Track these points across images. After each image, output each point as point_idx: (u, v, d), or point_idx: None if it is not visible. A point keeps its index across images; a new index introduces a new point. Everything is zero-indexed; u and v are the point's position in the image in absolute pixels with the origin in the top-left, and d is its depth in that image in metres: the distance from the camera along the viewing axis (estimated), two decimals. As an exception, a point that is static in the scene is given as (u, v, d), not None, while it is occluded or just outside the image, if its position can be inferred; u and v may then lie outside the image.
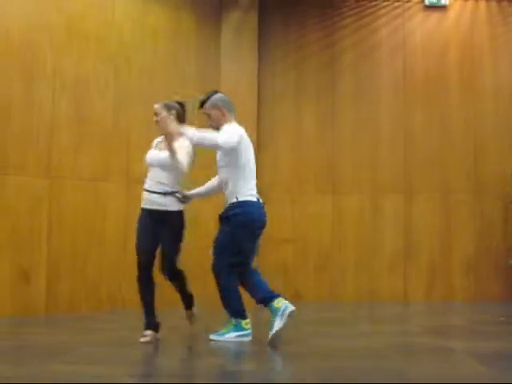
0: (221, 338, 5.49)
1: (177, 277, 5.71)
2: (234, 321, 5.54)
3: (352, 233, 9.90)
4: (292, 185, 9.81)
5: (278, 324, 5.30)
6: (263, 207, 5.66)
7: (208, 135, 5.47)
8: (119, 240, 8.29)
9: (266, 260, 9.50)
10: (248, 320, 5.56)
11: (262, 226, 5.64)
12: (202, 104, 5.75)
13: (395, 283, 9.72)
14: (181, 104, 5.84)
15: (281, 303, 5.37)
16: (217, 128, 5.66)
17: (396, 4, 10.28)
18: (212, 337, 5.54)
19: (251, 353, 5.20)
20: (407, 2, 10.29)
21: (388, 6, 10.28)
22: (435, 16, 10.26)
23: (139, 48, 8.82)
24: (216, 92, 5.86)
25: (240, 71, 9.84)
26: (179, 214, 5.56)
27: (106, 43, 8.45)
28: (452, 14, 10.26)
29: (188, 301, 5.92)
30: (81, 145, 8.08)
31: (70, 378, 3.96)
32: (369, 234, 9.86)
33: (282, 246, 9.69)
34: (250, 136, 5.78)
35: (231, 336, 5.51)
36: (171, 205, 5.51)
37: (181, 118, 5.73)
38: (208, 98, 5.75)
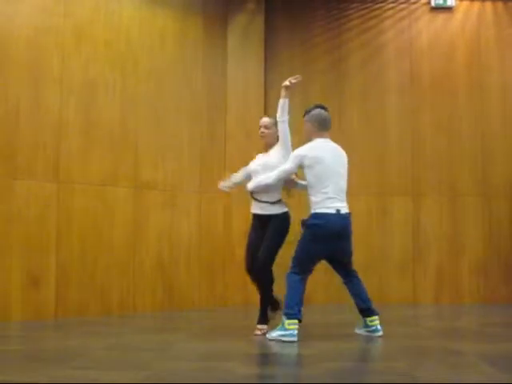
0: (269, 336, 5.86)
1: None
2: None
3: (360, 235, 9.85)
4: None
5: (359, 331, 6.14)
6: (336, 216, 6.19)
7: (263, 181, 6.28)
8: (128, 244, 8.30)
9: (275, 262, 9.49)
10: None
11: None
12: (304, 114, 6.57)
13: (404, 286, 9.71)
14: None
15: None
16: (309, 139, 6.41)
17: (402, 6, 10.27)
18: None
19: (260, 356, 5.20)
20: (413, 3, 10.28)
21: (394, 7, 10.27)
22: (441, 17, 10.25)
23: (147, 52, 8.83)
24: (317, 107, 6.59)
25: (246, 74, 9.86)
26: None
27: (114, 47, 8.46)
28: (458, 15, 10.25)
29: (271, 303, 6.39)
30: (89, 149, 8.10)
31: (83, 383, 3.96)
32: (377, 237, 9.85)
33: (289, 248, 9.66)
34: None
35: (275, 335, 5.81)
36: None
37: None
38: (310, 109, 6.54)
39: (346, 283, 6.27)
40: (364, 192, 9.90)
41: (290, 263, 6.01)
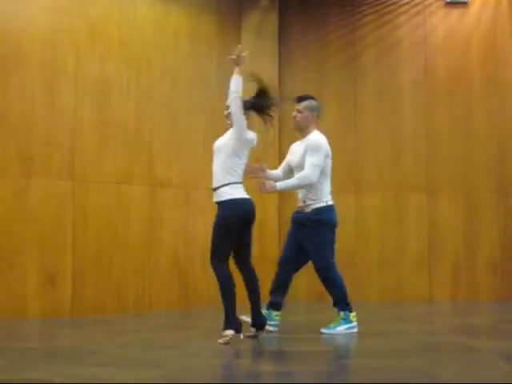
0: (332, 331, 5.92)
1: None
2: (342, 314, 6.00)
3: (375, 232, 9.87)
4: (314, 184, 9.76)
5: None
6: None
7: (296, 184, 5.97)
8: (144, 242, 8.33)
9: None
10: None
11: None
12: (299, 100, 6.22)
13: (420, 283, 9.67)
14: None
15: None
16: (299, 128, 6.17)
17: (417, 1, 10.22)
18: (324, 330, 5.95)
19: (276, 353, 5.20)
20: (428, -2, 10.24)
21: (409, 2, 10.22)
22: (456, 12, 10.18)
23: (161, 50, 8.85)
24: (314, 98, 6.31)
25: (260, 71, 9.67)
26: None
27: (128, 45, 8.49)
28: (473, 10, 10.18)
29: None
30: (104, 148, 8.13)
31: (100, 382, 3.98)
32: (392, 233, 9.82)
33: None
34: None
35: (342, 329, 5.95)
36: None
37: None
38: (306, 98, 6.23)
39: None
40: (379, 188, 9.87)
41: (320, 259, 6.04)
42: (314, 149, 5.95)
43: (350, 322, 5.98)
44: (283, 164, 6.36)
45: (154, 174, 8.53)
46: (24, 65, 7.57)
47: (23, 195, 7.45)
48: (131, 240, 8.25)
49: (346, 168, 9.94)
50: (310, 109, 6.16)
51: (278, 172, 6.31)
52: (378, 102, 10.07)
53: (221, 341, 5.29)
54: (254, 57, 9.94)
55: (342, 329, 5.93)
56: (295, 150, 6.18)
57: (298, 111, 6.16)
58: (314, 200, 6.01)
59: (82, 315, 7.66)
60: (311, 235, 5.98)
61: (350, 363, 4.51)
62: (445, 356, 4.91)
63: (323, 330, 5.93)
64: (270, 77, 9.87)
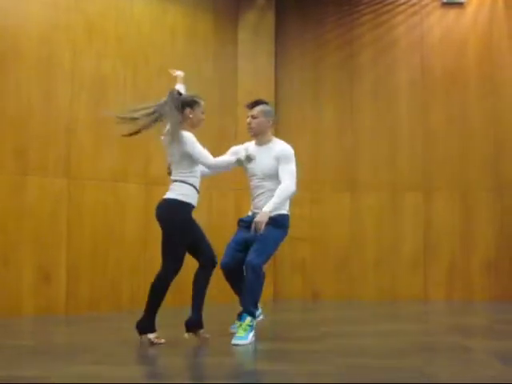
0: (246, 342, 5.35)
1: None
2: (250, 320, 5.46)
3: (371, 231, 9.87)
4: (311, 183, 9.77)
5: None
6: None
7: (281, 198, 5.61)
8: (139, 240, 8.32)
9: (284, 259, 9.53)
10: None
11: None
12: (252, 106, 5.90)
13: (415, 282, 9.68)
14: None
15: None
16: (254, 134, 5.84)
17: (414, 1, 10.23)
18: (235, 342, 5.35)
19: (269, 351, 5.19)
20: (425, -2, 10.24)
21: (406, 2, 10.23)
22: (453, 13, 10.19)
23: (158, 47, 8.84)
24: (267, 103, 6.01)
25: (257, 70, 9.84)
26: None
27: (125, 42, 8.48)
28: (470, 10, 10.19)
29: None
30: (100, 145, 8.11)
31: (94, 379, 3.97)
32: (388, 233, 9.83)
33: (300, 244, 9.68)
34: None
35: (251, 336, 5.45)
36: None
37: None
38: (260, 103, 5.92)
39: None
40: (375, 188, 9.88)
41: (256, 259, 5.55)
42: (288, 158, 5.74)
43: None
44: (232, 151, 6.00)
45: (150, 172, 8.52)
46: (20, 61, 7.55)
47: (19, 192, 7.43)
48: (126, 237, 8.25)
49: (341, 167, 9.96)
50: (265, 114, 5.89)
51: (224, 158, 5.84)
52: (375, 102, 10.08)
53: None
54: (250, 55, 9.98)
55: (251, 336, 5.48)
56: (258, 158, 5.73)
57: (253, 117, 5.87)
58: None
59: (76, 312, 7.65)
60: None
61: (346, 363, 4.51)
62: (440, 355, 4.91)
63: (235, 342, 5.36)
64: (266, 75, 9.90)
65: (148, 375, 4.04)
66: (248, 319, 5.44)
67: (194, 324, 5.47)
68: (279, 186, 5.67)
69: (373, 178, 9.93)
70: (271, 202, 5.61)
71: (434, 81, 10.04)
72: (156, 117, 5.56)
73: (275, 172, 5.72)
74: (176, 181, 5.48)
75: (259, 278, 5.51)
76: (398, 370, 4.22)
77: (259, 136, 5.88)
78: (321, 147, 9.98)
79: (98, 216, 8.02)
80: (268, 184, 5.75)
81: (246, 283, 5.53)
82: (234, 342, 5.32)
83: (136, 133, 5.59)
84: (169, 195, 5.46)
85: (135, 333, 5.34)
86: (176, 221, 5.37)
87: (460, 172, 9.84)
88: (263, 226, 5.51)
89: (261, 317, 5.89)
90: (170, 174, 5.65)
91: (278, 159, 5.74)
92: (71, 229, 7.77)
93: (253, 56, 9.88)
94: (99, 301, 7.95)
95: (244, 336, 5.37)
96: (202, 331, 5.47)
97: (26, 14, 7.63)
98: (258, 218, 5.55)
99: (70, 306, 7.69)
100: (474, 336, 6.15)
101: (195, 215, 5.55)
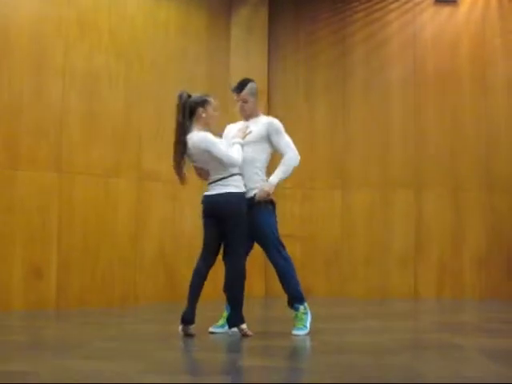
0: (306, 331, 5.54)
1: None
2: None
3: (362, 228, 9.89)
4: (302, 180, 9.78)
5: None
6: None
7: (287, 167, 5.62)
8: (130, 235, 8.31)
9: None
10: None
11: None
12: (240, 89, 5.77)
13: (405, 280, 9.70)
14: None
15: None
16: (247, 117, 5.76)
17: (406, -2, 10.25)
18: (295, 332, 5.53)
19: (263, 347, 5.20)
20: (418, -4, 10.26)
21: (398, 0, 10.24)
22: (446, 11, 10.22)
23: (150, 42, 8.82)
24: (251, 80, 5.87)
25: (250, 67, 9.83)
26: None
27: (118, 37, 8.45)
28: (463, 9, 10.22)
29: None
30: (91, 139, 8.09)
31: (84, 374, 3.96)
32: (379, 230, 9.85)
33: (291, 241, 9.66)
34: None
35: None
36: None
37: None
38: (245, 84, 5.78)
39: None
40: (367, 185, 9.90)
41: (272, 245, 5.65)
42: (279, 130, 5.69)
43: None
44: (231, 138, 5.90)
45: (142, 167, 8.51)
46: (12, 54, 7.52)
47: (9, 186, 7.40)
48: (118, 233, 8.23)
49: (333, 164, 9.97)
50: (253, 94, 5.80)
51: None
52: (367, 99, 10.09)
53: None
54: (243, 51, 9.98)
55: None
56: (241, 130, 5.76)
57: (244, 101, 5.79)
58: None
59: (67, 307, 7.63)
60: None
61: (334, 360, 4.51)
62: (430, 353, 4.92)
63: (295, 332, 5.56)
64: (259, 72, 9.89)
65: (138, 370, 4.03)
66: (301, 307, 5.60)
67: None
68: (282, 160, 5.66)
69: (364, 175, 9.94)
70: (279, 172, 5.61)
71: (426, 78, 10.06)
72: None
73: (263, 139, 5.67)
74: (224, 178, 5.49)
75: (287, 260, 5.63)
76: (387, 367, 4.22)
77: (251, 117, 5.83)
78: (313, 144, 9.98)
79: (89, 210, 8.00)
80: (250, 151, 5.64)
81: (280, 273, 5.64)
82: (294, 332, 5.50)
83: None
84: (226, 189, 5.46)
85: (125, 327, 5.32)
86: (243, 211, 5.46)
87: (451, 169, 9.87)
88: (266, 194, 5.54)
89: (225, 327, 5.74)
90: (204, 178, 5.71)
91: (268, 131, 5.68)
92: (62, 223, 7.75)
93: (246, 52, 9.87)
94: (90, 296, 7.93)
95: (303, 327, 5.55)
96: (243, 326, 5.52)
97: (17, 6, 7.59)
98: (265, 188, 5.54)
99: (60, 301, 7.67)
100: (464, 334, 6.16)
101: (198, 208, 5.61)
